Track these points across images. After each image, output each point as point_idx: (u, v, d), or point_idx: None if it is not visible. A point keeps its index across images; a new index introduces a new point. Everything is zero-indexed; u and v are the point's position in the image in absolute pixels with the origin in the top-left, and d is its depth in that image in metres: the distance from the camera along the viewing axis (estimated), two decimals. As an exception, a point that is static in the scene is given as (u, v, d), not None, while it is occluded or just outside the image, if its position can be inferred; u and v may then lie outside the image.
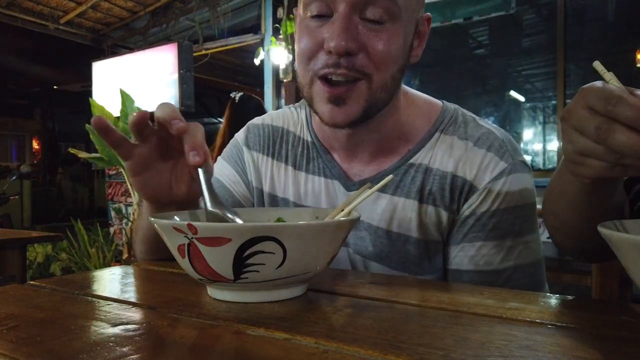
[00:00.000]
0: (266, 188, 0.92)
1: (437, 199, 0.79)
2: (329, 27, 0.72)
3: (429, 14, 0.81)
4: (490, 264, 0.77)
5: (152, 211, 0.71)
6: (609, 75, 0.48)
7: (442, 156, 0.80)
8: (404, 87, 0.85)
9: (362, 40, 0.71)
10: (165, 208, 0.69)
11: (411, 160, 0.82)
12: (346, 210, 0.63)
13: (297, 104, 0.98)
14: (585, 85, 0.48)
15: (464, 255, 0.78)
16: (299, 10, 0.78)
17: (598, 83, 0.47)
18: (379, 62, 0.72)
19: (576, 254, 0.76)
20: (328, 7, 0.72)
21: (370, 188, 0.63)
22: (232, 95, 2.94)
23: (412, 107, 0.85)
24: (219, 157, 1.00)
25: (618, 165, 0.47)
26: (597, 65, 0.50)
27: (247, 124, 0.99)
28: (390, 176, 0.65)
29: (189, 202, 0.70)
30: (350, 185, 0.84)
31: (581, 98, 0.47)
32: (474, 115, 0.86)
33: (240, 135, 0.98)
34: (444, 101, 0.88)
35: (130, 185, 4.04)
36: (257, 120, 0.99)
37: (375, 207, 0.82)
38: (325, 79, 0.74)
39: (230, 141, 1.00)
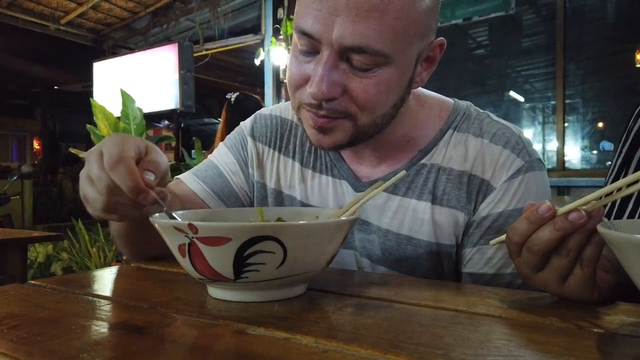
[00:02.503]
0: (271, 184, 0.89)
1: (453, 199, 0.77)
2: (313, 67, 0.68)
3: (442, 39, 0.75)
4: (507, 267, 0.74)
5: None
6: None
7: (456, 155, 0.78)
8: (415, 89, 0.80)
9: (345, 84, 0.67)
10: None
11: (423, 160, 0.79)
12: (353, 208, 0.63)
13: None
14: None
15: (479, 258, 0.76)
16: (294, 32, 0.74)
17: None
18: (364, 106, 0.69)
19: None
20: (315, 46, 0.68)
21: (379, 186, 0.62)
22: (227, 96, 2.93)
23: (423, 108, 0.82)
24: (221, 143, 0.96)
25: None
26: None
27: (255, 113, 0.96)
28: (403, 172, 0.63)
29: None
30: (359, 185, 0.81)
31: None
32: (487, 112, 0.83)
33: (246, 124, 0.94)
34: (455, 99, 0.85)
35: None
36: (265, 110, 0.95)
37: (385, 209, 0.79)
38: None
39: (235, 128, 0.96)
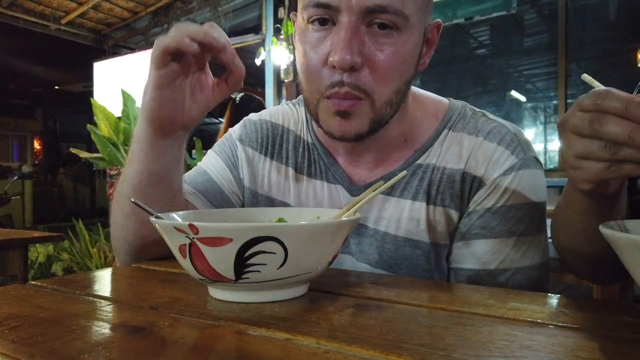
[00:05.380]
0: (263, 191, 0.87)
1: (447, 198, 0.76)
2: (332, 38, 0.68)
3: (439, 20, 0.78)
4: (490, 264, 0.74)
5: (152, 142, 0.70)
6: (596, 84, 0.51)
7: (451, 154, 0.77)
8: (412, 87, 0.81)
9: (367, 53, 0.68)
10: (167, 137, 0.70)
11: (419, 161, 0.79)
12: (353, 209, 0.62)
13: (294, 100, 0.93)
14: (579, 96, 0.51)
15: (462, 253, 0.76)
16: (299, 18, 0.74)
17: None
18: (382, 78, 0.69)
19: (592, 278, 0.75)
20: (331, 16, 0.68)
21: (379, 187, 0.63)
22: (232, 95, 2.94)
23: (419, 108, 0.82)
24: (210, 150, 0.94)
25: (615, 164, 0.48)
26: (586, 77, 0.53)
27: (244, 119, 0.94)
28: (404, 172, 0.63)
29: (194, 125, 0.73)
30: (355, 190, 0.80)
31: (575, 105, 0.50)
32: (483, 111, 0.83)
33: (235, 130, 0.92)
34: (451, 98, 0.85)
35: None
36: (254, 116, 0.93)
37: (382, 211, 0.79)
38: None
39: (224, 135, 0.94)
